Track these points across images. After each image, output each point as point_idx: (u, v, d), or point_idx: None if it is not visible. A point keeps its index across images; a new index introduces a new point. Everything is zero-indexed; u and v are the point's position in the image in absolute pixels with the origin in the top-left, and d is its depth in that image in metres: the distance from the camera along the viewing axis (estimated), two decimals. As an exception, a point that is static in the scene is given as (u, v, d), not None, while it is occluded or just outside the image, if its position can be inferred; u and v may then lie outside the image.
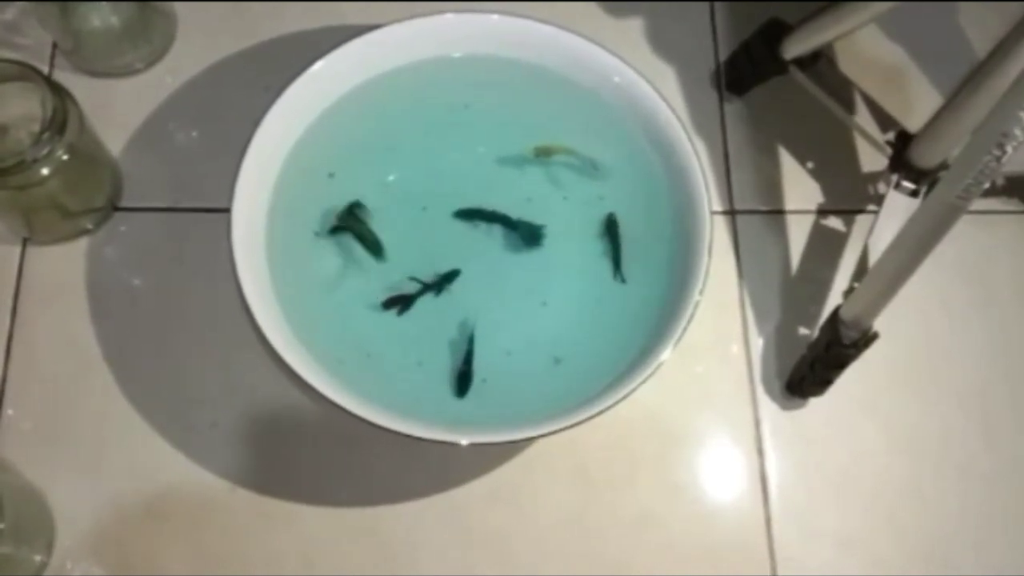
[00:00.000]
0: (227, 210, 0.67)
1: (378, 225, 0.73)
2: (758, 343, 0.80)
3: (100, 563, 0.70)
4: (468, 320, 0.71)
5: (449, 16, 0.74)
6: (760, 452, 0.77)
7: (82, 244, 0.78)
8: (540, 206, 0.75)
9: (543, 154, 0.74)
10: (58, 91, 0.69)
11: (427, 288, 0.71)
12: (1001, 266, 0.85)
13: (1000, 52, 0.64)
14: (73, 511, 0.71)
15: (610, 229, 0.74)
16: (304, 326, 0.68)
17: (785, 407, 0.79)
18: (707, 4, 0.91)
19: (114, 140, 0.81)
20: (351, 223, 0.71)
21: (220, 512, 0.72)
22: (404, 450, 0.74)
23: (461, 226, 0.74)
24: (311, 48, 0.72)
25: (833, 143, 0.87)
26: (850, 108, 0.81)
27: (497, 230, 0.74)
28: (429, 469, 0.74)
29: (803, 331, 0.81)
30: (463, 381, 0.69)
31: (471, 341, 0.69)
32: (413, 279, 0.71)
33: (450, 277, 0.71)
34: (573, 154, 0.74)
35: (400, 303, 0.70)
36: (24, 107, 0.71)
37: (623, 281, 0.72)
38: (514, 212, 0.74)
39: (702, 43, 0.90)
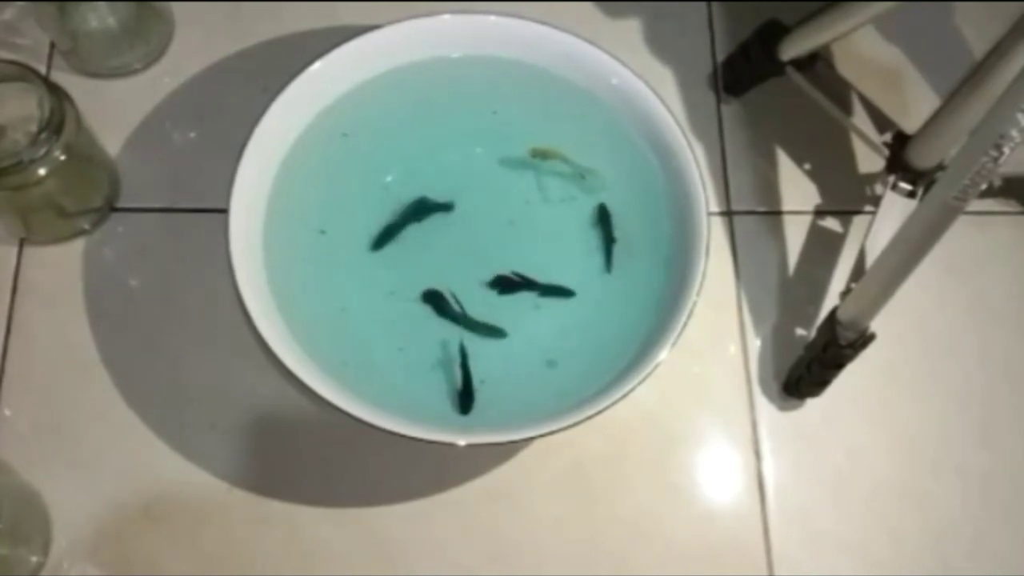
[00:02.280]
0: (225, 211, 0.67)
1: (376, 226, 0.73)
2: (755, 344, 0.80)
3: (97, 564, 0.70)
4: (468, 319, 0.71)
5: (447, 17, 0.74)
6: (757, 453, 0.78)
7: (79, 244, 0.78)
8: (537, 207, 0.75)
9: (539, 156, 0.74)
10: (55, 91, 0.69)
11: (465, 320, 0.70)
12: (998, 267, 0.85)
13: (997, 53, 0.65)
14: (70, 511, 0.71)
15: (602, 219, 0.74)
16: (302, 327, 0.68)
17: (782, 407, 0.79)
18: (705, 5, 0.91)
19: (111, 140, 0.81)
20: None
21: (218, 513, 0.72)
22: (402, 451, 0.74)
23: (460, 227, 0.74)
24: (309, 49, 0.72)
25: (830, 144, 0.87)
26: (847, 109, 0.81)
27: (494, 232, 0.74)
28: (427, 469, 0.74)
29: (800, 332, 0.81)
30: (465, 400, 0.68)
31: (464, 359, 0.69)
32: (456, 299, 0.71)
33: (495, 332, 0.71)
34: (567, 162, 0.74)
35: (436, 303, 0.71)
36: (21, 107, 0.71)
37: (610, 272, 0.73)
38: (514, 213, 0.74)
39: (699, 44, 0.90)
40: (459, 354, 0.69)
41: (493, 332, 0.71)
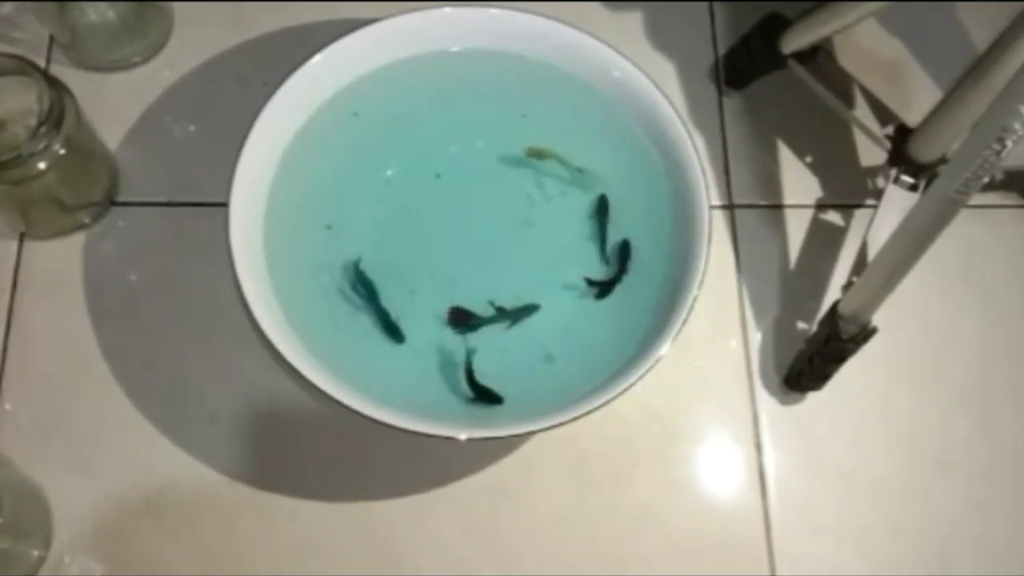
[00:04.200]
0: (225, 204, 0.67)
1: (377, 220, 0.73)
2: (756, 337, 0.80)
3: (98, 558, 0.70)
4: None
5: (447, 10, 0.74)
6: (758, 447, 0.77)
7: (79, 239, 0.78)
8: (539, 202, 0.74)
9: (535, 156, 0.74)
10: (55, 85, 0.69)
11: (500, 315, 0.70)
12: (1000, 260, 0.85)
13: (1000, 46, 0.64)
14: (71, 506, 0.71)
15: (600, 210, 0.73)
16: (302, 320, 0.68)
17: (784, 401, 0.79)
18: (706, -2, 0.91)
19: (111, 134, 0.81)
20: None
21: (218, 507, 0.72)
22: (403, 444, 0.74)
23: (461, 220, 0.74)
24: (308, 42, 0.72)
25: (832, 137, 0.87)
26: (849, 102, 0.81)
27: (494, 223, 0.74)
28: (428, 464, 0.74)
29: (802, 325, 0.81)
30: (487, 397, 0.68)
31: (469, 365, 0.68)
32: (491, 303, 0.70)
33: (528, 310, 0.71)
34: (561, 162, 0.74)
35: (462, 323, 0.70)
36: (21, 101, 0.70)
37: (607, 264, 0.72)
38: (513, 208, 0.74)
39: (701, 37, 0.90)
40: (465, 364, 0.68)
41: (528, 311, 0.71)
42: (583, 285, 0.72)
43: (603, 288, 0.72)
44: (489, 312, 0.70)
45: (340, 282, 0.71)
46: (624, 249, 0.73)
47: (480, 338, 0.70)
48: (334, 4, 0.87)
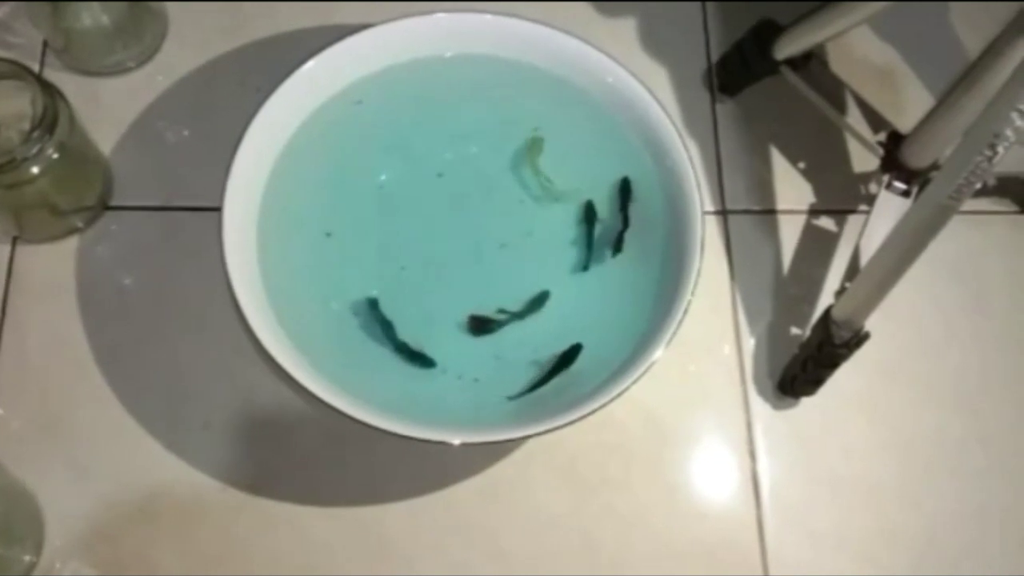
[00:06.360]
0: (218, 209, 0.67)
1: (373, 224, 0.73)
2: (750, 343, 0.80)
3: (90, 563, 0.70)
4: (461, 319, 0.71)
5: (441, 16, 0.74)
6: (752, 452, 0.78)
7: (73, 243, 0.78)
8: (532, 208, 0.75)
9: (532, 148, 0.74)
10: (49, 89, 0.69)
11: (516, 314, 0.71)
12: (992, 266, 0.85)
13: (992, 53, 0.65)
14: (63, 511, 0.71)
15: (587, 216, 0.74)
16: (296, 324, 0.68)
17: (777, 407, 0.79)
18: (699, 4, 0.91)
19: (105, 139, 0.81)
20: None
21: (212, 512, 0.72)
22: (397, 449, 0.74)
23: (453, 226, 0.74)
24: (303, 47, 0.72)
25: (825, 143, 0.87)
26: (842, 108, 0.81)
27: (491, 229, 0.74)
28: (422, 468, 0.74)
29: (795, 331, 0.81)
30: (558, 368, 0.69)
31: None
32: (502, 311, 0.71)
33: (540, 301, 0.71)
34: (542, 178, 0.74)
35: (481, 326, 0.70)
36: (14, 105, 0.70)
37: (585, 269, 0.73)
38: (506, 214, 0.74)
39: (694, 43, 0.90)
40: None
41: (538, 303, 0.71)
42: (581, 290, 0.72)
43: (616, 243, 0.72)
44: (504, 315, 0.70)
45: (343, 303, 0.71)
46: (624, 189, 0.73)
47: (474, 345, 0.70)
48: (329, 10, 0.87)
